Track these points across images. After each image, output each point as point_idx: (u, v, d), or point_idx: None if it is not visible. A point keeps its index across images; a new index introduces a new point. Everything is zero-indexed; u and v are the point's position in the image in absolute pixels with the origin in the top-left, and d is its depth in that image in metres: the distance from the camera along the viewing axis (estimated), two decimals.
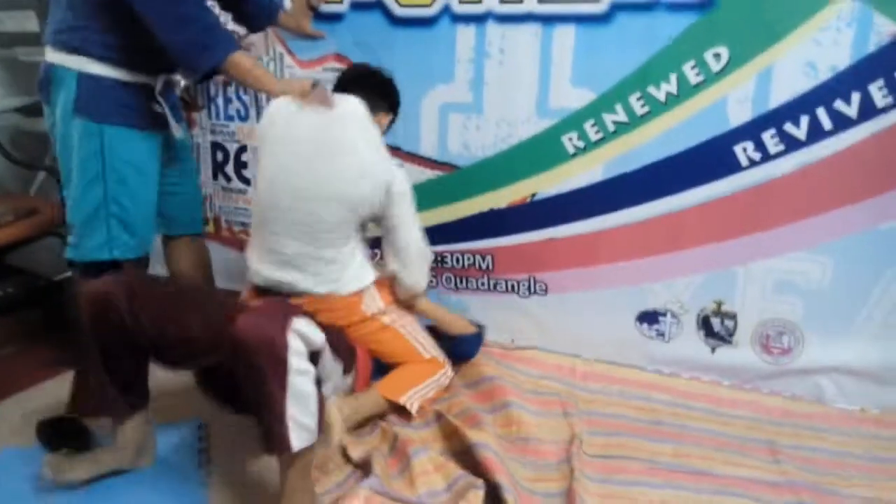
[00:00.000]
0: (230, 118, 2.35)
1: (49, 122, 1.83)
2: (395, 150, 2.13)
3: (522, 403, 1.80)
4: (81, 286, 1.54)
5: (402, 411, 1.76)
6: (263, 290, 1.75)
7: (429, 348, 1.90)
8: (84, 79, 1.70)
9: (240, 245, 2.42)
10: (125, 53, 1.73)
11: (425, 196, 2.17)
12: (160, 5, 1.63)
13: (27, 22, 2.33)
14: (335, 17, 2.10)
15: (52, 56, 1.73)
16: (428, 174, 2.15)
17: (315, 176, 1.67)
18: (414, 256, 1.82)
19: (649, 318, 2.06)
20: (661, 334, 2.06)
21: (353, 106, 1.75)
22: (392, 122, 1.93)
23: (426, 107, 2.09)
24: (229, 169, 2.39)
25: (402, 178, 1.77)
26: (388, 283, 1.87)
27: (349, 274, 1.72)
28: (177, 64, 1.79)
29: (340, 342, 1.60)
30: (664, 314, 2.04)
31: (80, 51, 1.70)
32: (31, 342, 2.27)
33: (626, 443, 1.69)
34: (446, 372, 1.90)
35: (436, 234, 2.19)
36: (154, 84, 1.83)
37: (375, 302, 1.78)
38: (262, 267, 1.74)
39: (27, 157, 2.51)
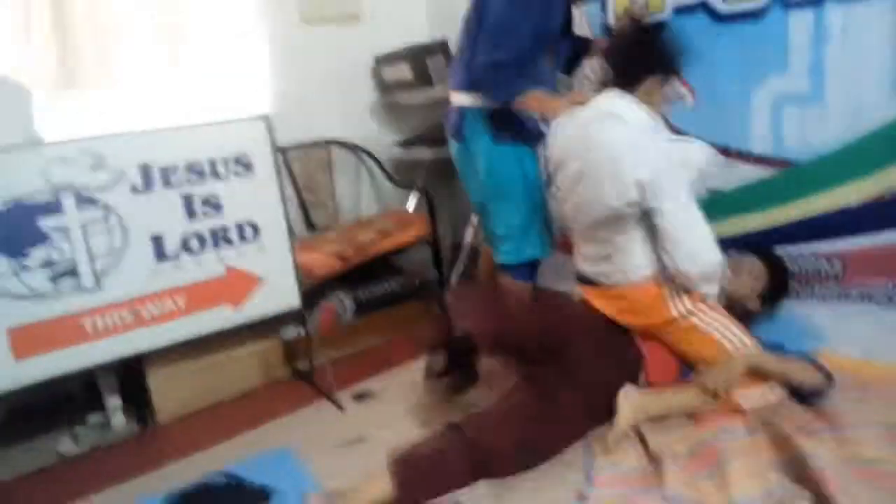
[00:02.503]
0: None
1: (459, 155, 2.22)
2: (722, 150, 2.08)
3: (868, 431, 1.60)
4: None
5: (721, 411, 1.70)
6: (585, 280, 1.90)
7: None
8: (494, 112, 2.04)
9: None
10: None
11: (758, 196, 2.07)
12: (490, 39, 1.92)
13: (403, 72, 2.90)
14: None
15: (464, 99, 2.11)
16: (760, 172, 2.04)
17: (581, 190, 1.76)
18: (685, 238, 1.68)
19: None
20: None
21: (603, 107, 1.75)
22: (669, 78, 1.78)
23: (757, 101, 2.00)
24: None
25: (657, 161, 1.65)
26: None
27: (633, 262, 1.75)
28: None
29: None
30: None
31: None
32: (408, 329, 2.75)
33: None
34: (772, 388, 1.72)
35: (771, 237, 2.07)
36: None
37: (683, 303, 1.76)
38: (578, 263, 1.92)
39: (405, 180, 3.10)
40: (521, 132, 2.11)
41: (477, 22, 2.01)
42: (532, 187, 2.13)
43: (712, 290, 1.76)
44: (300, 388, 2.32)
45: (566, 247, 2.63)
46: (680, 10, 2.08)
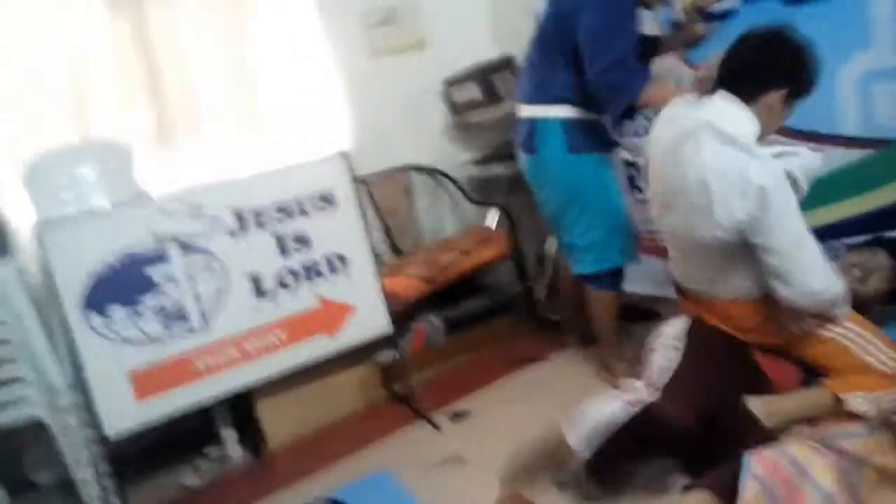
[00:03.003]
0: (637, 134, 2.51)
1: (530, 167, 2.21)
2: (805, 135, 1.97)
3: None
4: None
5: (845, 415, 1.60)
6: (684, 292, 1.85)
7: (889, 362, 1.62)
8: (567, 122, 2.06)
9: (654, 251, 2.54)
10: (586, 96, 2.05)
11: (848, 182, 1.95)
12: (596, 49, 1.93)
13: (472, 92, 2.95)
14: (725, 15, 2.08)
15: (533, 111, 2.12)
16: (850, 155, 1.93)
17: (674, 208, 1.68)
18: (795, 273, 1.54)
19: None
20: None
21: (704, 115, 1.59)
22: (797, 95, 1.60)
23: (842, 80, 1.89)
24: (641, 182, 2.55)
25: (757, 194, 1.49)
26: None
27: (737, 282, 1.66)
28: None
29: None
30: None
31: (559, 101, 2.06)
32: (498, 346, 2.77)
33: None
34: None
35: (872, 222, 1.94)
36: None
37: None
38: (677, 276, 1.86)
39: (483, 198, 3.13)
40: (596, 141, 2.10)
41: (559, 37, 2.02)
42: (610, 195, 2.12)
43: (832, 312, 1.64)
44: (398, 411, 2.39)
45: (654, 250, 2.58)
46: None
